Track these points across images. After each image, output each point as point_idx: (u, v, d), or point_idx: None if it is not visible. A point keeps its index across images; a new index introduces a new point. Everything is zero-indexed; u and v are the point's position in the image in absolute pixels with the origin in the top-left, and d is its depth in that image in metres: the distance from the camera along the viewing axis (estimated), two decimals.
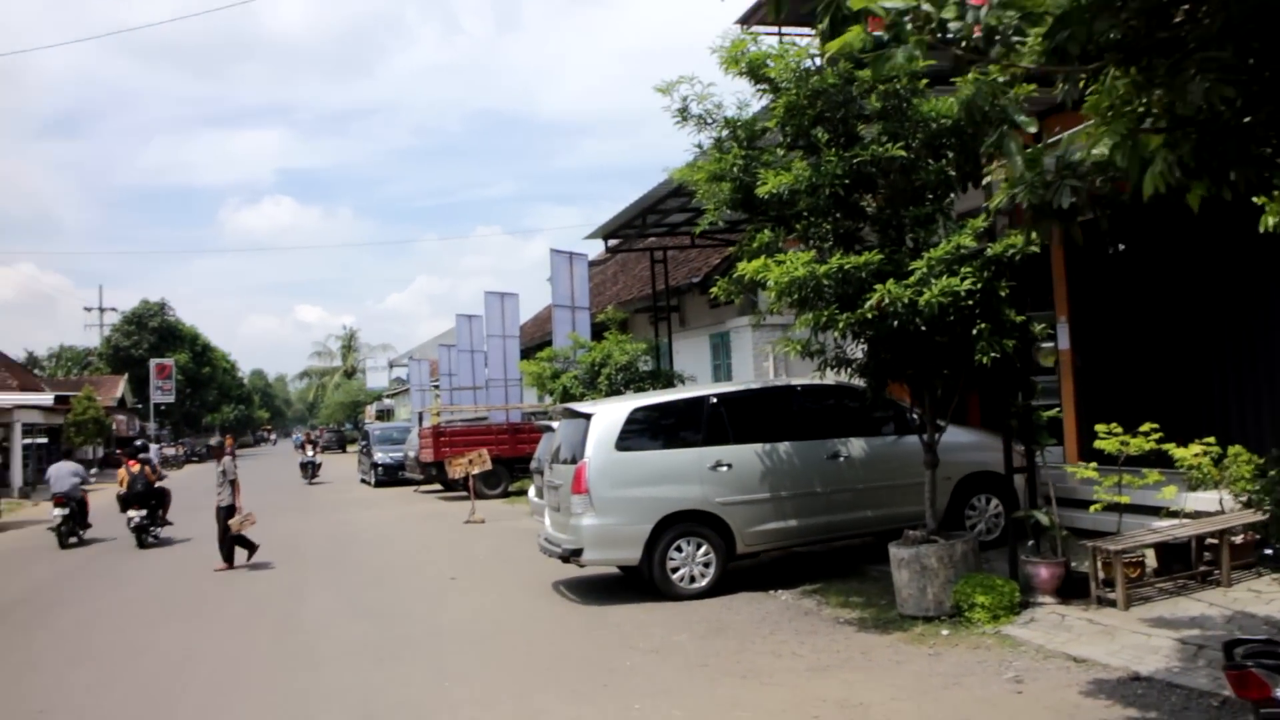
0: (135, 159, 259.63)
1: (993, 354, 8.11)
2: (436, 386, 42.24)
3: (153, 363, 64.22)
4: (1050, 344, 12.69)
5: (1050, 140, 5.99)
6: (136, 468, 18.15)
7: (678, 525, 10.31)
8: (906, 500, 10.79)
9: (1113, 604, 8.24)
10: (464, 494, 21.32)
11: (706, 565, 10.37)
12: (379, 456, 31.98)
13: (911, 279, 7.91)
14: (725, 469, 10.46)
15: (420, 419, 30.88)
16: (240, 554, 14.79)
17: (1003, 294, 8.23)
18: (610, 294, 28.70)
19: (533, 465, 16.70)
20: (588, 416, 10.70)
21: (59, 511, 18.59)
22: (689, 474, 10.42)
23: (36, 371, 70.09)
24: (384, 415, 70.36)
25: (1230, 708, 6.00)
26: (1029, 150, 5.81)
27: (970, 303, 7.96)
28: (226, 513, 14.53)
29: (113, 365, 66.72)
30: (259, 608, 11.59)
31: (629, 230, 18.07)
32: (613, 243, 18.95)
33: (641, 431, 10.63)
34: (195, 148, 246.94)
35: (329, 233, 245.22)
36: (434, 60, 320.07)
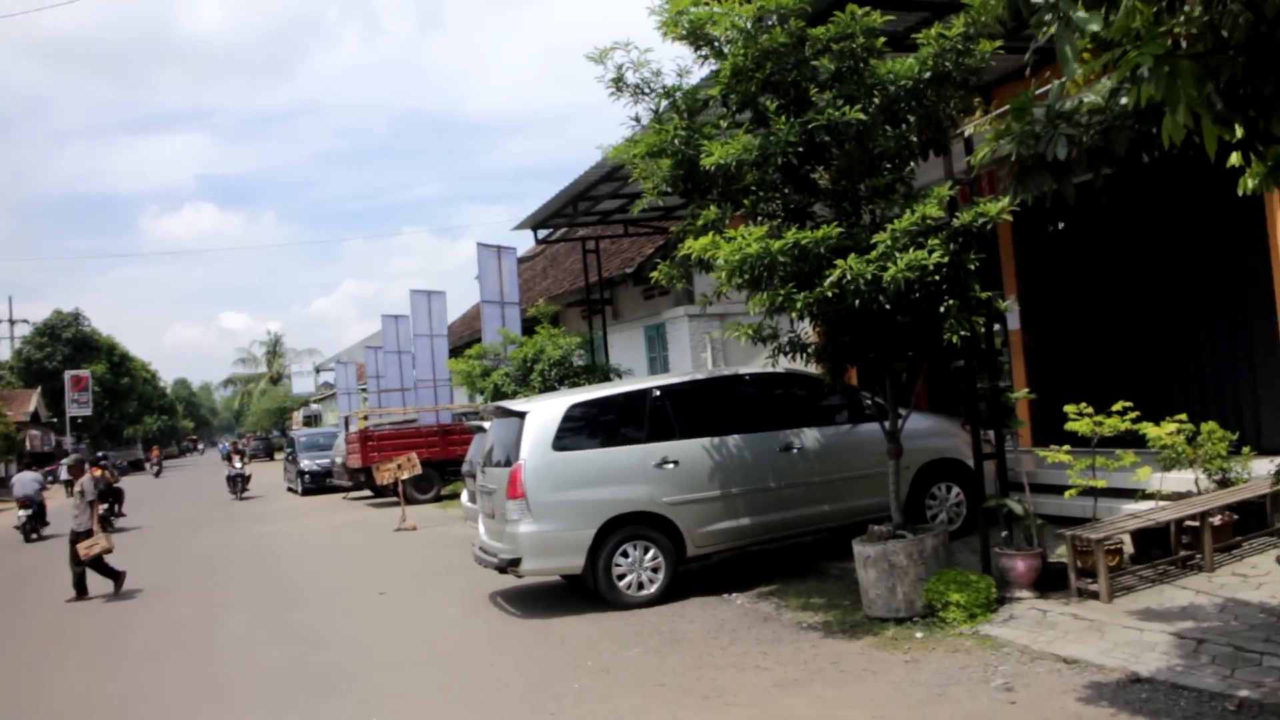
0: (49, 166, 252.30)
1: (962, 332, 7.49)
2: (364, 390, 41.13)
3: (68, 375, 61.97)
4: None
5: (1038, 90, 5.35)
6: (98, 472, 20.52)
7: (623, 528, 9.56)
8: (864, 492, 10.24)
9: (1095, 596, 7.67)
10: (394, 500, 20.38)
11: (655, 570, 9.65)
12: (305, 464, 30.75)
13: (874, 254, 7.24)
14: (672, 466, 9.74)
15: (347, 424, 29.77)
16: (103, 583, 13.35)
17: (971, 267, 7.61)
18: (540, 289, 27.86)
19: (464, 469, 15.87)
20: (521, 415, 9.92)
21: (23, 512, 22.33)
22: (633, 473, 9.68)
23: None
24: (311, 421, 68.72)
25: (1248, 711, 5.43)
26: (1016, 100, 5.19)
27: (937, 278, 7.31)
28: (82, 537, 13.10)
29: (25, 379, 64.17)
30: (168, 634, 10.63)
31: (559, 219, 17.31)
32: (543, 233, 18.15)
33: (580, 429, 9.87)
34: (112, 154, 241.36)
35: (253, 239, 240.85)
36: (357, 61, 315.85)
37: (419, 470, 19.31)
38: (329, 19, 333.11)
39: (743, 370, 10.98)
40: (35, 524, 22.60)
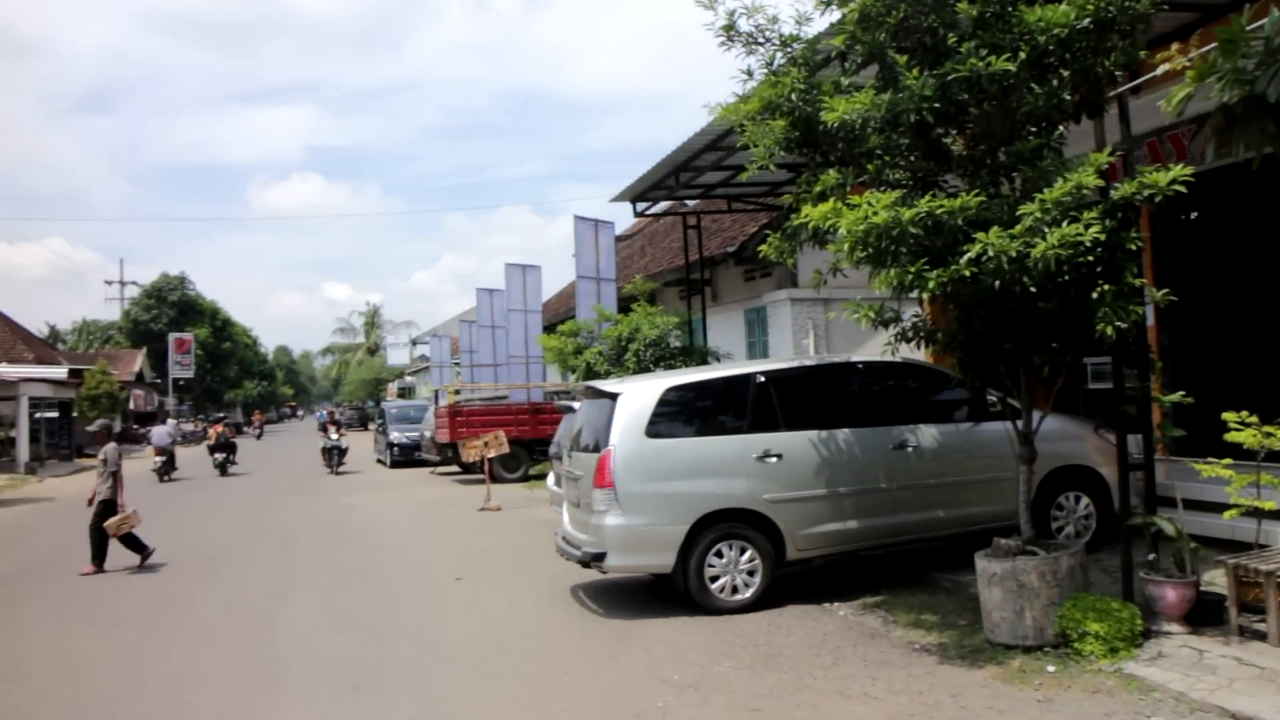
0: (165, 135, 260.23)
1: (1118, 323, 6.48)
2: (457, 364, 40.95)
3: (171, 337, 63.57)
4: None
5: (1250, 25, 4.37)
6: (220, 429, 30.44)
7: (718, 526, 8.75)
8: (984, 499, 9.35)
9: (1261, 637, 6.64)
10: (482, 477, 19.85)
11: (751, 574, 8.81)
12: (395, 436, 30.54)
13: (1019, 228, 6.27)
14: (774, 460, 8.88)
15: (437, 397, 29.47)
16: (128, 556, 12.93)
17: (1132, 248, 6.59)
18: (638, 267, 27.08)
19: (551, 450, 15.20)
20: (613, 396, 9.14)
21: (159, 459, 28.07)
22: (732, 466, 8.84)
23: (59, 345, 69.61)
24: (405, 393, 69.27)
25: None
26: (1225, 29, 4.22)
27: (1091, 258, 6.31)
28: (105, 509, 12.76)
29: (132, 339, 66.04)
30: (232, 609, 10.12)
31: (659, 191, 16.48)
32: (641, 206, 17.33)
33: (676, 415, 9.06)
34: (224, 124, 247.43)
35: (357, 210, 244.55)
36: (462, 38, 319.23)
37: (506, 449, 18.71)
38: None
39: (855, 358, 10.06)
40: (168, 468, 28.23)
